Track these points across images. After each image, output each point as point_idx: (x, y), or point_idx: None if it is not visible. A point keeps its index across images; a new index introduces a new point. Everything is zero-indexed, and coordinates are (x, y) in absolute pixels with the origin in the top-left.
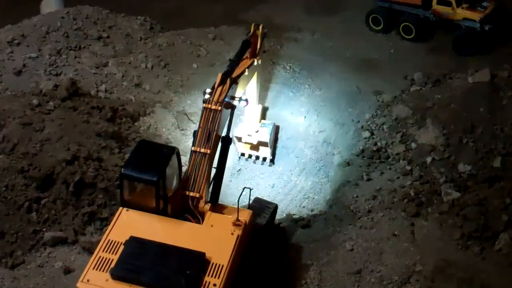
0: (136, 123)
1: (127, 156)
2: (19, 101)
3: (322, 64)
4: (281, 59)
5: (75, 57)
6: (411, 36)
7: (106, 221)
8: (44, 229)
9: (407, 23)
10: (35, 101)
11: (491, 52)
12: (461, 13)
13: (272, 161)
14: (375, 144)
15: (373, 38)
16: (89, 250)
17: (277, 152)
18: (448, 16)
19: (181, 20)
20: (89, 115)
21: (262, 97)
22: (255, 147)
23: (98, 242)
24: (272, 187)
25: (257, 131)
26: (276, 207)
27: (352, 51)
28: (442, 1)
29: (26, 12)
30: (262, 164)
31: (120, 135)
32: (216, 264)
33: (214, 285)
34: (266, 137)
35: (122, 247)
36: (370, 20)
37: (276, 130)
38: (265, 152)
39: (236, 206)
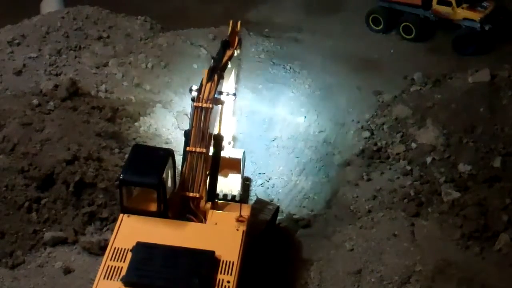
0: (136, 123)
1: (127, 156)
2: (19, 101)
3: (322, 64)
4: (281, 59)
5: (75, 57)
6: (411, 36)
7: (106, 221)
8: (44, 229)
9: (407, 23)
10: (35, 101)
11: (491, 52)
12: (461, 13)
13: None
14: (375, 144)
15: (373, 38)
16: (89, 250)
17: (277, 152)
18: (448, 16)
19: (181, 20)
20: (89, 115)
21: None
22: (224, 167)
23: (98, 242)
24: (272, 187)
25: (229, 143)
26: (277, 208)
27: (352, 51)
28: (442, 1)
29: (26, 12)
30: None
31: (120, 135)
32: (226, 262)
33: (228, 282)
34: (239, 153)
35: (129, 254)
36: (370, 20)
37: (245, 182)
38: (235, 181)
39: (234, 202)
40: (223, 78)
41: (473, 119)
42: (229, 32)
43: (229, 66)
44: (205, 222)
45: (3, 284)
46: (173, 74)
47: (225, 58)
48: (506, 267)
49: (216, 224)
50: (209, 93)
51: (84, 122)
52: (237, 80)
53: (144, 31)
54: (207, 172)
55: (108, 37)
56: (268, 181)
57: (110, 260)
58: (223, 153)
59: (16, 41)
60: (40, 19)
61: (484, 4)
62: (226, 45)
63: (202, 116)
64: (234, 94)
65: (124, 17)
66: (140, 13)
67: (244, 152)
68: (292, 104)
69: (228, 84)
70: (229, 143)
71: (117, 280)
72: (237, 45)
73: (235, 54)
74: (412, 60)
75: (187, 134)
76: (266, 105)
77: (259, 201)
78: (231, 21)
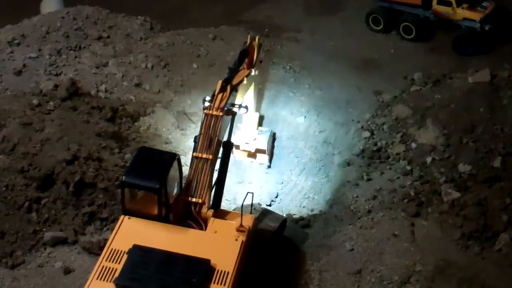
0: (136, 123)
1: (127, 156)
2: (19, 101)
3: (322, 64)
4: (281, 59)
5: (75, 57)
6: (411, 36)
7: (106, 221)
8: (44, 229)
9: (407, 23)
10: (35, 101)
11: (491, 52)
12: (461, 13)
13: (269, 166)
14: (375, 144)
15: (373, 38)
16: (89, 250)
17: (277, 152)
18: (448, 16)
19: (181, 20)
20: (89, 115)
21: (259, 104)
22: (252, 154)
23: (98, 242)
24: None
25: (254, 139)
26: (284, 220)
27: (352, 51)
28: (442, 1)
29: (26, 12)
30: (259, 165)
31: (120, 135)
32: (221, 271)
33: None
34: (263, 144)
35: (125, 256)
36: (370, 20)
37: (273, 137)
38: (263, 158)
39: (237, 211)
40: (236, 90)
41: (473, 119)
42: (247, 45)
43: (245, 82)
44: (205, 229)
45: (3, 284)
46: (173, 74)
47: (242, 74)
48: (506, 267)
49: (215, 232)
50: (220, 102)
51: (84, 122)
52: (256, 99)
53: (144, 31)
54: (213, 179)
55: (108, 37)
56: None
57: (106, 260)
58: (249, 147)
59: (16, 41)
60: (40, 19)
61: (484, 4)
62: (244, 55)
63: (212, 123)
64: (246, 107)
65: (124, 17)
66: (140, 13)
67: (270, 132)
68: (292, 104)
69: (245, 100)
70: (255, 139)
71: (110, 282)
72: (255, 64)
73: (252, 73)
74: (412, 60)
75: (196, 140)
76: (266, 105)
77: (265, 212)
78: (249, 35)
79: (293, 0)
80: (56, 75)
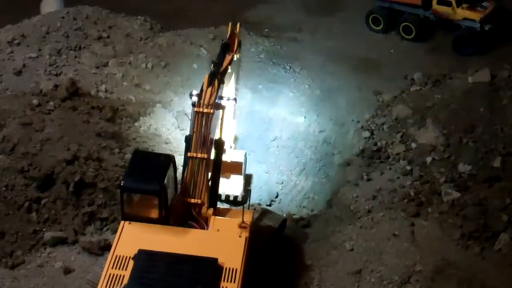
0: (136, 123)
1: (127, 156)
2: (19, 101)
3: (322, 64)
4: (281, 59)
5: (75, 57)
6: (411, 36)
7: (106, 221)
8: (44, 229)
9: (407, 23)
10: (35, 101)
11: (491, 52)
12: (461, 13)
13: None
14: (375, 144)
15: (373, 38)
16: (89, 250)
17: (277, 152)
18: (448, 16)
19: (181, 20)
20: (89, 115)
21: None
22: (226, 170)
23: (98, 242)
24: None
25: (231, 147)
26: (284, 220)
27: (352, 51)
28: (442, 1)
29: (26, 12)
30: (230, 204)
31: (120, 135)
32: (229, 269)
33: None
34: (240, 157)
35: (131, 262)
36: (370, 20)
37: (247, 179)
38: (236, 183)
39: (235, 208)
40: (223, 83)
41: (473, 119)
42: (228, 34)
43: (229, 70)
44: (207, 229)
45: (3, 284)
46: (173, 74)
47: (225, 63)
48: (506, 267)
49: (218, 230)
50: (210, 98)
51: (84, 122)
52: (237, 82)
53: (144, 31)
54: (209, 178)
55: (108, 37)
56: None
57: (112, 268)
58: (225, 157)
59: (16, 41)
60: (40, 19)
61: (484, 4)
62: (226, 48)
63: (203, 121)
64: (235, 99)
65: (124, 17)
66: (140, 13)
67: (245, 154)
68: (292, 104)
69: (228, 87)
70: (231, 147)
71: None
72: (236, 49)
73: (235, 58)
74: (412, 60)
75: (188, 140)
76: (266, 105)
77: (264, 212)
78: (230, 23)
79: (293, 0)
80: (56, 75)
